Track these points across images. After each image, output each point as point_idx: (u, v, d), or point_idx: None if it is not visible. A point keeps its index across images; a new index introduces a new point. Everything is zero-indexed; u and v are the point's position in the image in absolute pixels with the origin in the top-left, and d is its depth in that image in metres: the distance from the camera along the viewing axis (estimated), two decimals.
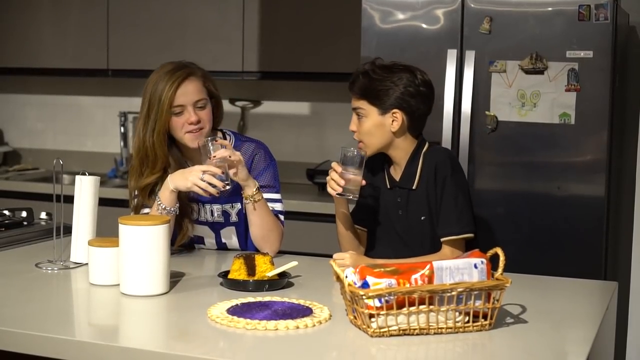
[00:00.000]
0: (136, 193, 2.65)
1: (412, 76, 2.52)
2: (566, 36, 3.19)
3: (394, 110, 2.50)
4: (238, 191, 2.62)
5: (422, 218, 2.54)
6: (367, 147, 2.54)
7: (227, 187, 2.49)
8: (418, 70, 2.55)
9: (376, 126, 2.52)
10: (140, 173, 2.62)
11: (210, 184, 2.45)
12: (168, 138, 2.63)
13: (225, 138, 2.72)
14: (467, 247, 2.52)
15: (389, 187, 2.61)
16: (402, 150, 2.56)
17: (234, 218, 2.69)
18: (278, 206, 2.68)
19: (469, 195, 2.57)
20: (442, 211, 2.51)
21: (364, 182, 2.49)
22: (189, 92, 2.57)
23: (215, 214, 2.69)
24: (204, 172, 2.45)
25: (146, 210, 2.62)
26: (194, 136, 2.58)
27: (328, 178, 2.50)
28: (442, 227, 2.51)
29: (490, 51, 3.28)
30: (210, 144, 2.49)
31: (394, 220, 2.60)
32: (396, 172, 2.60)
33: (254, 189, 2.56)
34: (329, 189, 2.50)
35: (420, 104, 2.53)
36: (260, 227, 2.61)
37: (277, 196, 2.69)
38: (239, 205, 2.68)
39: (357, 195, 2.48)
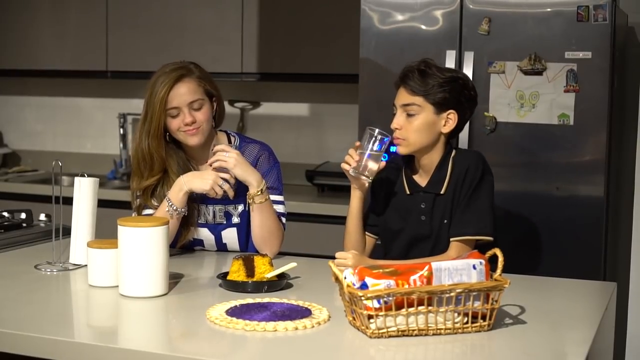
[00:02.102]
0: (138, 194, 2.65)
1: (466, 79, 2.51)
2: (565, 37, 3.19)
3: (450, 111, 2.47)
4: (241, 193, 2.62)
5: (445, 221, 2.50)
6: (409, 146, 2.48)
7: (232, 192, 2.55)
8: (466, 75, 2.56)
9: (428, 125, 2.46)
10: (141, 175, 2.63)
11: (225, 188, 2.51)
12: (172, 140, 2.64)
13: (230, 140, 2.73)
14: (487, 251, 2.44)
15: (408, 192, 2.56)
16: (436, 155, 2.51)
17: (235, 219, 2.69)
18: (280, 208, 2.68)
19: (493, 199, 2.52)
20: (460, 211, 2.46)
21: (383, 164, 2.46)
22: (182, 93, 2.57)
23: (217, 215, 2.69)
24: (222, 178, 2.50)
25: (149, 211, 2.63)
26: (191, 134, 2.59)
27: (346, 156, 2.48)
28: (457, 227, 2.47)
29: (489, 52, 3.29)
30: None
31: (414, 226, 2.54)
32: (422, 178, 2.55)
33: (257, 189, 2.56)
34: (343, 165, 2.48)
35: (470, 109, 2.53)
36: (261, 227, 2.61)
37: (279, 198, 2.69)
38: (241, 207, 2.68)
39: (371, 178, 2.46)
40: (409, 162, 2.58)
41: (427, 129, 2.47)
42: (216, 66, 4.15)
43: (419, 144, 2.48)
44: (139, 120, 2.64)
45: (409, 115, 2.47)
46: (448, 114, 2.47)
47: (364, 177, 2.48)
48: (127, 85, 4.89)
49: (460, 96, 2.48)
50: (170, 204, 2.54)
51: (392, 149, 2.53)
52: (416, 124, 2.46)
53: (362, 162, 2.46)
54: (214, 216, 2.69)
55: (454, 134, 2.55)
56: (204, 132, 2.60)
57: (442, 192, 2.50)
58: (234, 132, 2.78)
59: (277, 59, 4.32)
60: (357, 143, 2.48)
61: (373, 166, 2.46)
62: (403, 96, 2.48)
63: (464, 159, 2.51)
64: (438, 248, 2.51)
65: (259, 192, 2.57)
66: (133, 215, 2.67)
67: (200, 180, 2.52)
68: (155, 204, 2.62)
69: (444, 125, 2.48)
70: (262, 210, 2.59)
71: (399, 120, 2.48)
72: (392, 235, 2.60)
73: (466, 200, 2.46)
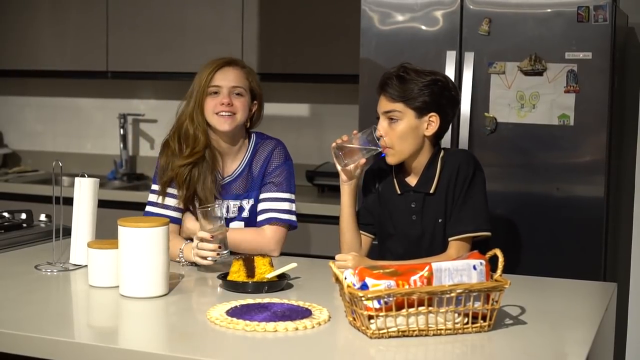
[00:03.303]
0: (161, 178, 2.68)
1: (446, 80, 2.52)
2: (565, 37, 3.19)
3: (432, 114, 2.48)
4: (253, 187, 2.68)
5: (440, 221, 2.51)
6: (397, 154, 2.49)
7: (223, 253, 2.45)
8: (446, 76, 2.57)
9: (411, 130, 2.47)
10: (178, 153, 2.65)
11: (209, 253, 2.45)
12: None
13: (249, 138, 2.75)
14: (484, 248, 2.44)
15: (399, 192, 2.57)
16: (424, 157, 2.52)
17: (245, 213, 2.70)
18: (285, 205, 2.69)
19: (486, 195, 2.53)
20: (456, 209, 2.47)
21: (363, 161, 2.49)
22: (229, 77, 2.65)
23: (231, 210, 2.70)
24: (200, 240, 2.45)
25: (171, 200, 2.66)
26: (224, 119, 2.63)
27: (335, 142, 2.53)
28: (455, 226, 2.47)
29: (489, 52, 3.29)
30: (202, 211, 2.47)
31: (405, 226, 2.55)
32: (412, 178, 2.56)
33: None
34: (332, 145, 2.52)
35: (452, 109, 2.54)
36: (238, 249, 2.62)
37: (285, 195, 2.71)
38: (252, 201, 2.70)
39: (346, 164, 2.50)
40: (398, 166, 2.58)
41: (411, 134, 2.48)
42: None
43: (406, 152, 2.50)
44: (182, 102, 2.69)
45: (392, 121, 2.48)
46: (430, 117, 2.48)
47: (340, 161, 2.50)
48: (127, 86, 4.89)
49: (440, 98, 2.48)
50: (181, 256, 2.56)
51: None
52: (399, 130, 2.48)
53: (346, 147, 2.48)
54: (228, 210, 2.69)
55: (439, 136, 2.56)
56: (237, 122, 2.65)
57: (431, 191, 2.51)
58: (254, 131, 2.80)
59: (277, 59, 4.32)
60: (355, 132, 2.52)
61: (353, 157, 2.49)
62: (384, 103, 2.50)
63: (453, 158, 2.52)
64: (435, 248, 2.52)
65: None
66: (155, 193, 2.70)
67: (191, 254, 2.50)
68: (185, 188, 2.64)
69: (427, 128, 2.49)
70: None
71: (382, 126, 2.50)
72: (386, 235, 2.61)
73: (461, 198, 2.48)
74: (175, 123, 2.71)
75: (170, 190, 2.69)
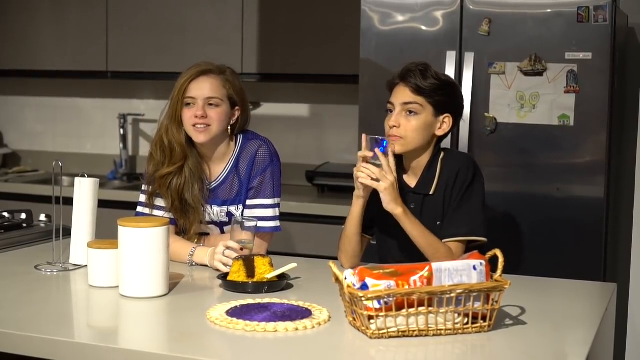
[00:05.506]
0: (151, 186, 2.68)
1: (459, 87, 2.56)
2: (565, 38, 3.19)
3: (446, 115, 2.50)
4: (241, 192, 2.64)
5: (438, 223, 2.50)
6: (405, 145, 2.48)
7: None
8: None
9: (426, 125, 2.48)
10: (160, 163, 2.65)
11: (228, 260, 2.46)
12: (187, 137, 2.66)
13: (236, 139, 2.72)
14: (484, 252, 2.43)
15: None
16: (425, 157, 2.53)
17: (238, 219, 2.69)
18: (269, 212, 2.67)
19: (484, 201, 2.53)
20: (451, 212, 2.47)
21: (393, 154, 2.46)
22: (204, 87, 2.61)
23: (219, 215, 2.69)
24: (226, 248, 2.47)
25: (159, 212, 2.66)
26: (199, 132, 2.60)
27: (358, 167, 2.40)
28: (450, 228, 2.47)
29: (489, 53, 3.29)
30: (236, 223, 2.50)
31: None
32: (411, 179, 2.56)
33: None
34: (361, 177, 2.39)
35: (460, 116, 2.57)
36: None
37: (267, 201, 2.67)
38: (242, 206, 2.68)
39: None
40: (398, 163, 2.58)
41: (425, 130, 2.49)
42: None
43: (416, 144, 2.49)
44: (165, 108, 2.68)
45: (409, 114, 2.48)
46: (444, 117, 2.50)
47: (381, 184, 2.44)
48: (127, 86, 4.89)
49: (456, 101, 2.53)
50: (190, 258, 2.57)
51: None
52: (415, 123, 2.47)
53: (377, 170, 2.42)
54: (217, 215, 2.69)
55: (444, 138, 2.57)
56: (212, 133, 2.61)
57: (431, 192, 2.51)
58: (241, 133, 2.74)
59: (277, 59, 4.32)
60: (366, 153, 2.41)
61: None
62: (405, 94, 2.48)
63: (454, 160, 2.53)
64: None
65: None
66: (142, 197, 2.70)
67: (211, 259, 2.52)
68: (170, 196, 2.64)
69: (439, 128, 2.51)
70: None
71: (397, 118, 2.48)
72: (385, 236, 2.61)
73: (457, 202, 2.48)
74: (156, 133, 2.69)
75: (158, 199, 2.69)
